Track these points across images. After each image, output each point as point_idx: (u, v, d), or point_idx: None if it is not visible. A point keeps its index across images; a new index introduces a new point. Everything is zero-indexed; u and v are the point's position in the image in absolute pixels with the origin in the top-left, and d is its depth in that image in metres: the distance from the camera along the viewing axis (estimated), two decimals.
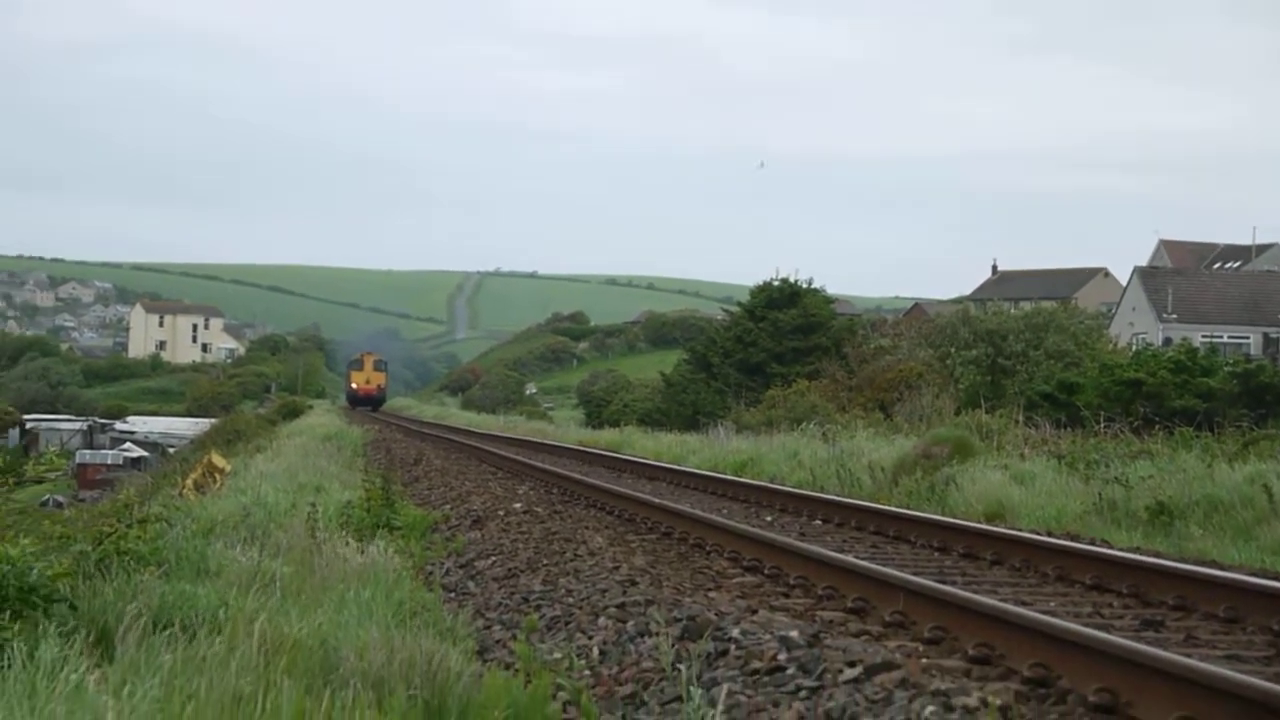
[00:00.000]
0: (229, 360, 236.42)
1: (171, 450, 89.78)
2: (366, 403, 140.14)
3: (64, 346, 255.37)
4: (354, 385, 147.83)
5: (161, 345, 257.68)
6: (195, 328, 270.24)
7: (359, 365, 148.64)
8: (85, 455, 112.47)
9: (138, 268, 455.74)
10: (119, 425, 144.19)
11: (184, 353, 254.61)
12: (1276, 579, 15.06)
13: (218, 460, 33.37)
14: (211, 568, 14.51)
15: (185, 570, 14.14)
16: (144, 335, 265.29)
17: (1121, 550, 17.67)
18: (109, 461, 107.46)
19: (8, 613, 9.88)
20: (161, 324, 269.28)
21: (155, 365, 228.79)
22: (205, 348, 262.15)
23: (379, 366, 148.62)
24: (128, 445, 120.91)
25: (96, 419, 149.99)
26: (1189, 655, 9.85)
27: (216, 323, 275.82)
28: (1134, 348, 72.20)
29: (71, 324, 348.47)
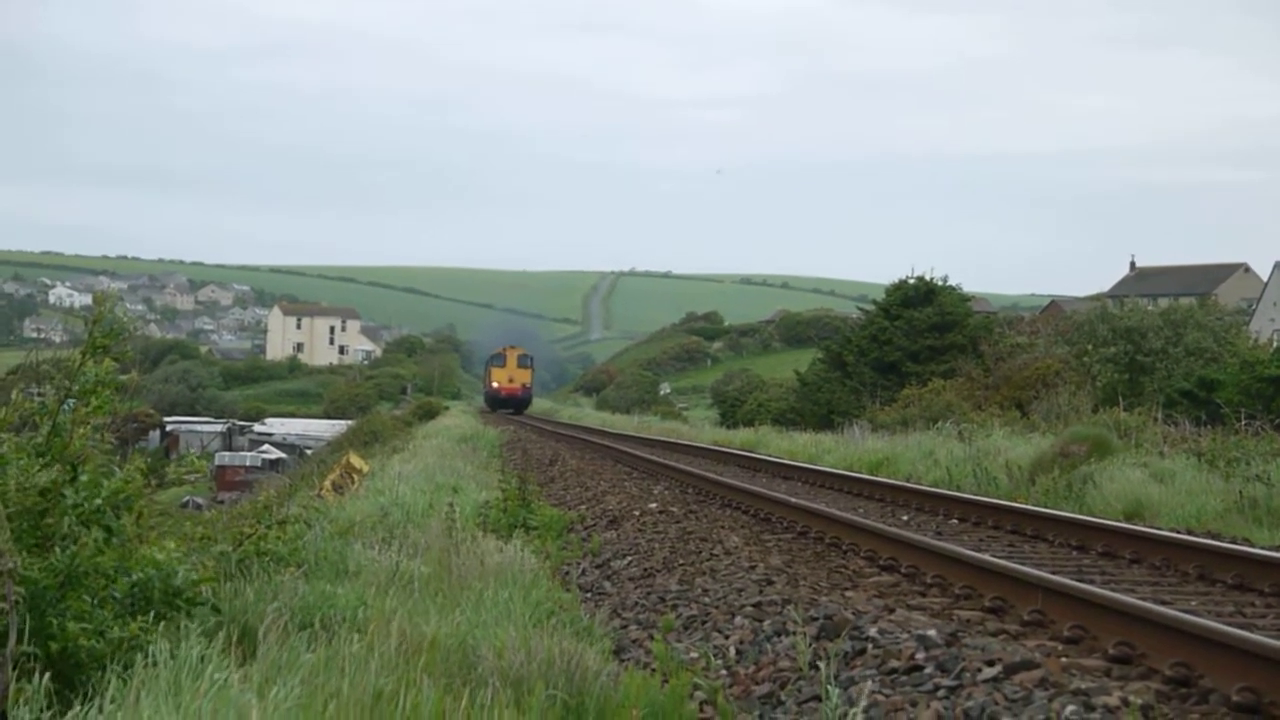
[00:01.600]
0: (365, 362, 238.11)
1: (309, 452, 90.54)
2: (509, 404, 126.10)
3: (203, 349, 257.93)
4: (494, 384, 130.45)
5: (299, 347, 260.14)
6: (332, 330, 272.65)
7: (500, 361, 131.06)
8: (224, 457, 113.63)
9: (275, 270, 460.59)
10: (257, 427, 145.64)
11: (321, 355, 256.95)
12: None
13: (355, 461, 33.62)
14: (350, 568, 14.63)
15: (325, 570, 14.27)
16: (281, 337, 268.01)
17: (1264, 549, 17.48)
18: (247, 463, 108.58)
19: (151, 614, 10.01)
20: (299, 326, 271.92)
21: (293, 367, 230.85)
22: (342, 350, 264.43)
23: (524, 362, 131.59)
24: (266, 447, 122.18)
25: (235, 421, 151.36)
26: None
27: (353, 325, 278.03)
28: (1275, 344, 71.28)
29: (211, 327, 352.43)
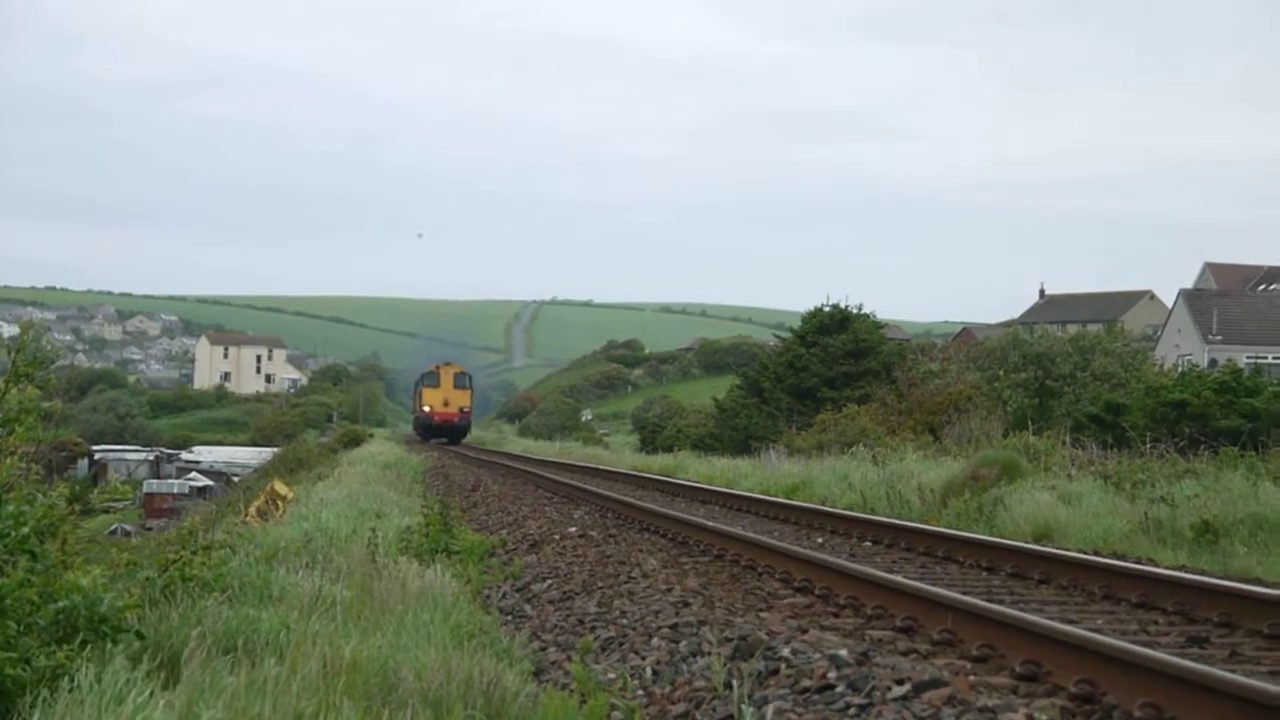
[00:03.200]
0: (292, 390, 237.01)
1: (236, 479, 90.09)
2: (443, 432, 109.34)
3: (131, 378, 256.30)
4: (426, 407, 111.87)
5: (226, 376, 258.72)
6: (259, 359, 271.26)
7: (433, 381, 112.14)
8: (152, 485, 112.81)
9: (202, 300, 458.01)
10: (185, 455, 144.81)
11: (248, 383, 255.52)
12: None
13: (280, 488, 33.48)
14: (274, 592, 14.55)
15: (249, 595, 14.18)
16: (209, 367, 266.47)
17: (1167, 569, 17.61)
18: (175, 490, 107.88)
19: (77, 641, 9.94)
20: (226, 355, 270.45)
21: (220, 396, 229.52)
22: (269, 378, 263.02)
23: (461, 382, 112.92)
24: (193, 474, 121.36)
25: (163, 449, 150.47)
26: (1233, 671, 9.82)
27: (279, 354, 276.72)
28: (1179, 369, 71.84)
29: (139, 356, 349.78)
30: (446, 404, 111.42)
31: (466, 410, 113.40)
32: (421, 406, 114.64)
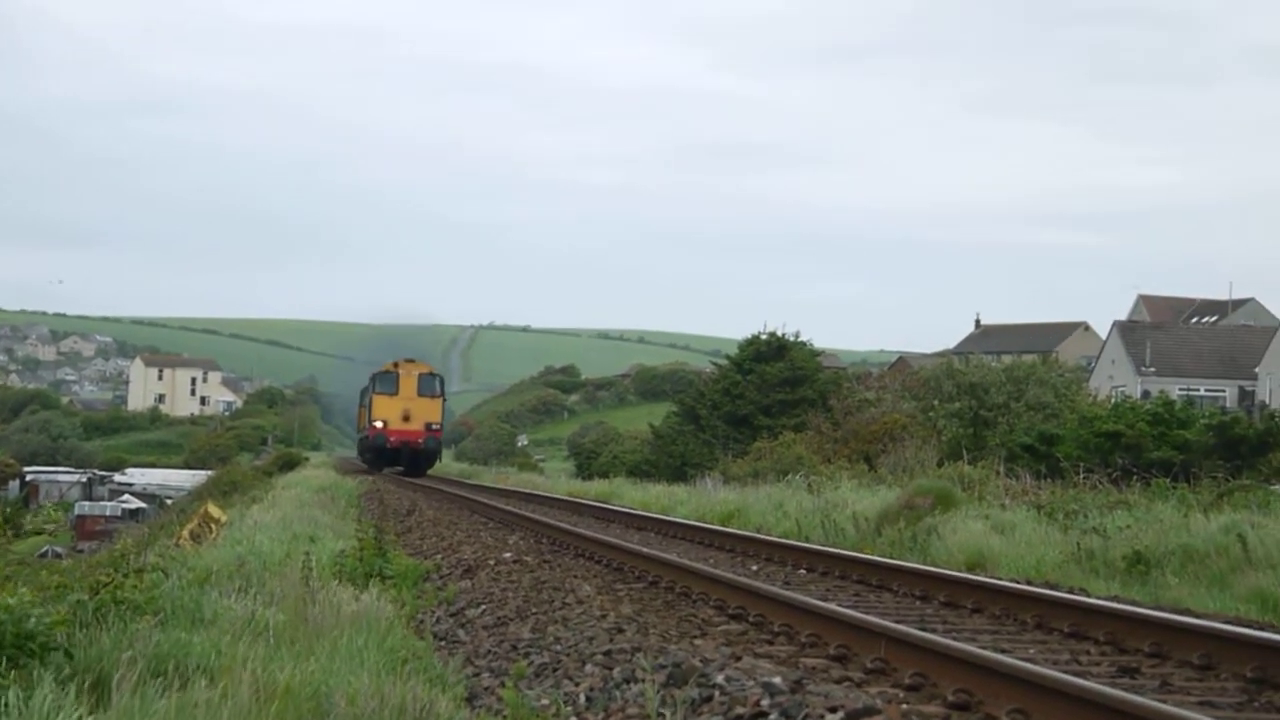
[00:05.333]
0: (226, 413, 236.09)
1: (169, 501, 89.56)
2: (402, 459, 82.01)
3: (65, 400, 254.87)
4: (379, 423, 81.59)
5: (160, 398, 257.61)
6: (194, 381, 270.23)
7: (389, 384, 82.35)
8: (84, 507, 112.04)
9: (137, 322, 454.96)
10: (118, 477, 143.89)
11: (182, 406, 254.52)
12: (1250, 627, 15.11)
13: (214, 511, 33.35)
14: (206, 616, 14.47)
15: (181, 619, 14.10)
16: (143, 389, 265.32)
17: (1099, 599, 17.67)
18: (107, 513, 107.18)
19: (3, 660, 9.87)
20: (160, 377, 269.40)
21: (154, 418, 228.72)
22: (203, 401, 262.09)
23: (430, 387, 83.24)
24: (126, 497, 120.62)
25: (96, 471, 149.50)
26: (1164, 701, 9.86)
27: (214, 376, 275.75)
28: (1113, 400, 72.31)
29: (73, 378, 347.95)
30: (408, 418, 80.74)
31: (436, 427, 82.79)
32: (372, 422, 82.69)
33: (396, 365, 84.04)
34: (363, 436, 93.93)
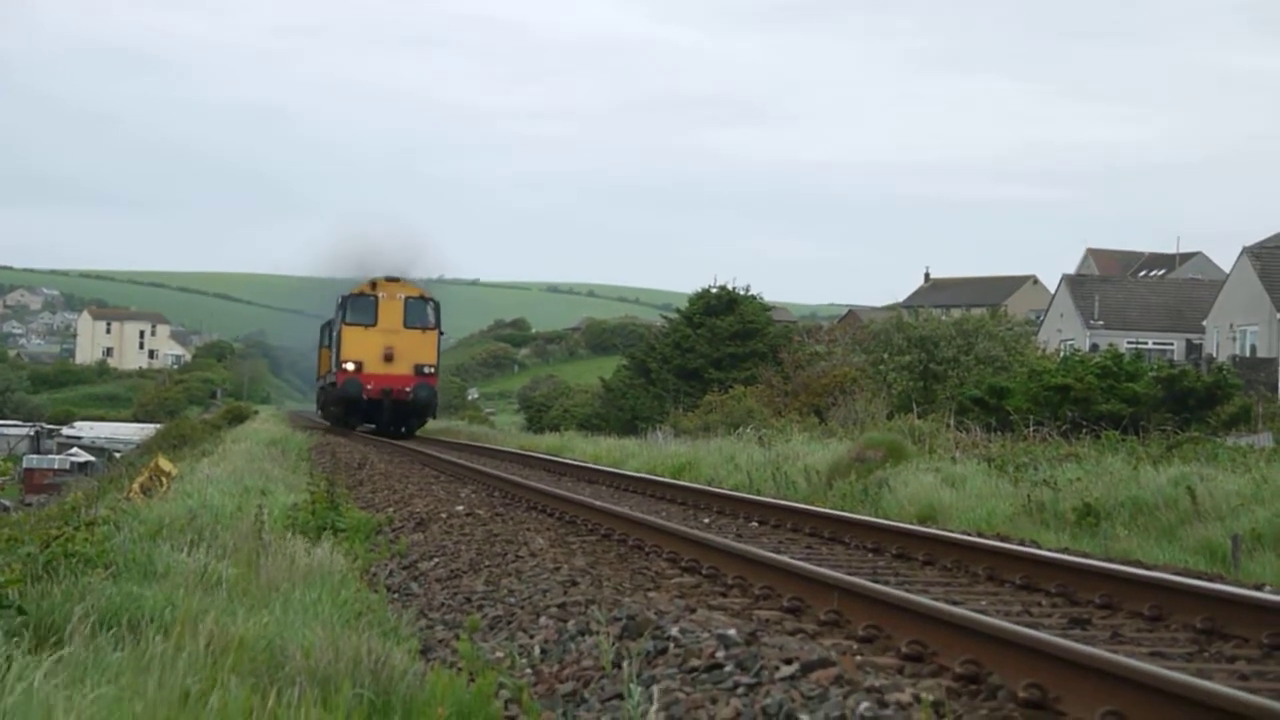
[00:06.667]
0: (175, 367, 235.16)
1: (118, 455, 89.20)
2: (381, 415, 63.74)
3: (11, 353, 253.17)
4: (349, 364, 62.39)
5: (109, 352, 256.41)
6: (142, 334, 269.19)
7: (364, 312, 62.86)
8: (32, 460, 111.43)
9: (85, 275, 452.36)
10: (66, 431, 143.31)
11: (131, 359, 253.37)
12: (1199, 578, 15.21)
13: (164, 464, 33.14)
14: (159, 569, 14.40)
15: (133, 572, 14.04)
16: (91, 342, 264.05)
17: (1050, 551, 17.76)
18: (56, 466, 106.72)
19: None
20: (109, 331, 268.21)
21: (102, 372, 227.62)
22: (152, 354, 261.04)
23: (419, 316, 63.50)
24: (75, 450, 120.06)
25: (43, 425, 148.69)
26: (1115, 652, 9.92)
27: (163, 329, 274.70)
28: (1062, 354, 72.49)
29: (19, 331, 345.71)
30: (390, 358, 60.92)
31: (429, 370, 62.38)
32: (341, 364, 62.02)
33: (374, 286, 62.69)
34: (326, 385, 71.65)
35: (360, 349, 61.23)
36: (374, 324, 61.32)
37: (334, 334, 65.26)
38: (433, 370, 62.68)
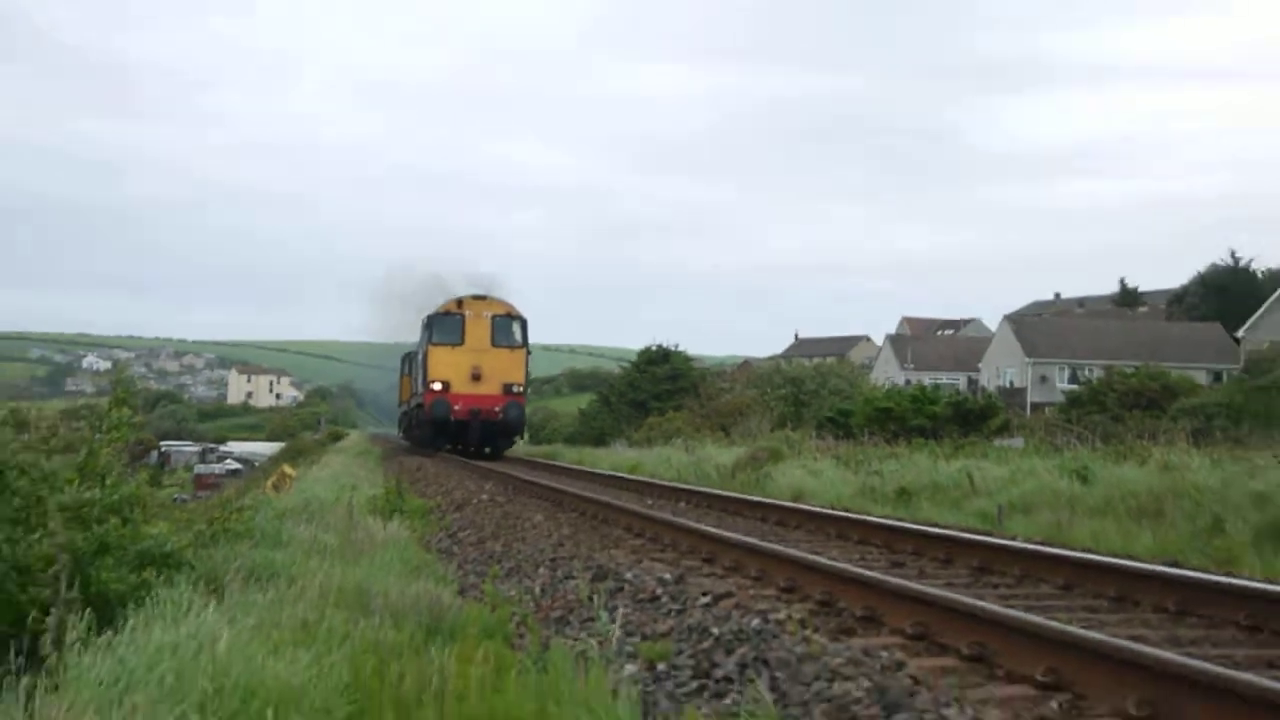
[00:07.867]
0: (294, 404, 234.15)
1: (257, 464, 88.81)
2: (470, 436, 43.60)
3: (185, 397, 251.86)
4: (438, 384, 42.45)
5: (249, 395, 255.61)
6: (271, 383, 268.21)
7: (452, 333, 42.50)
8: (200, 468, 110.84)
9: (234, 344, 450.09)
10: (222, 448, 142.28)
11: (263, 399, 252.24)
12: (976, 534, 15.33)
13: (288, 470, 33.04)
14: (285, 540, 14.34)
15: (268, 541, 13.98)
16: (237, 389, 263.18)
17: (878, 518, 17.85)
18: (216, 472, 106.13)
19: (156, 571, 9.86)
20: (249, 381, 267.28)
21: (245, 409, 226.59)
22: (278, 396, 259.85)
23: (506, 334, 42.93)
24: (228, 461, 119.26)
25: (208, 444, 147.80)
26: (921, 583, 10.01)
27: (285, 379, 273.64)
28: (885, 387, 72.90)
29: (190, 382, 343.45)
30: (479, 377, 42.61)
31: (518, 390, 43.54)
32: (428, 384, 43.37)
33: (460, 304, 43.51)
34: (411, 409, 52.80)
35: (447, 369, 42.78)
36: (461, 343, 42.67)
37: (419, 356, 46.29)
38: (521, 390, 43.65)
